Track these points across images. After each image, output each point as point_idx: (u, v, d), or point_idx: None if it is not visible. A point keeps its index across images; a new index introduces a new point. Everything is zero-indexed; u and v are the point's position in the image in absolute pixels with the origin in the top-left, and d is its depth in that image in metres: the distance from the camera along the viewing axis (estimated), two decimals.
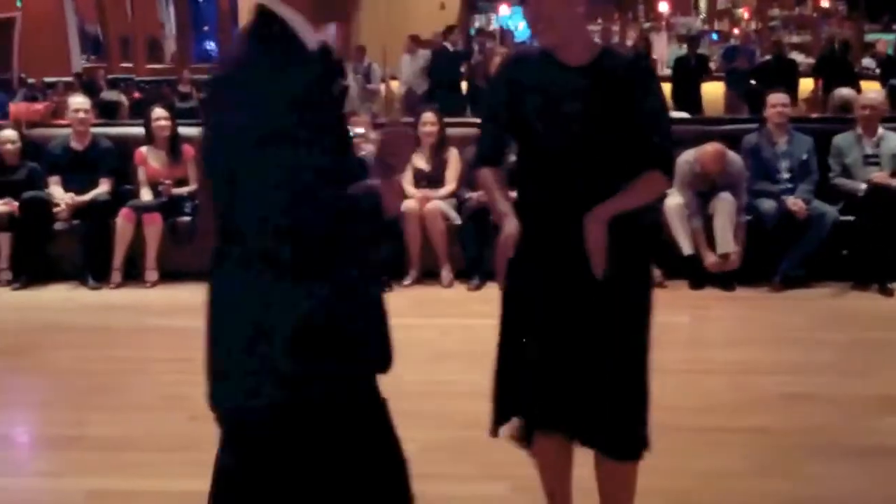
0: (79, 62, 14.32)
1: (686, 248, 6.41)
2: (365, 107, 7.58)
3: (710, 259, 6.30)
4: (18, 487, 3.74)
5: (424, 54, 12.99)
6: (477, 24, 17.93)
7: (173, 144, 7.18)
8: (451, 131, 7.12)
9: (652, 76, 2.71)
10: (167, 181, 7.05)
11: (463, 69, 12.89)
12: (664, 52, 15.82)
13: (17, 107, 9.07)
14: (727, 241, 6.34)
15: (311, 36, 1.96)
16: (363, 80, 12.74)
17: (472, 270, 6.72)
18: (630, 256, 2.65)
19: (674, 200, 6.40)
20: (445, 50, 12.83)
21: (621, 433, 2.67)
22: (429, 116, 7.07)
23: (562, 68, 2.63)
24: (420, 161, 7.02)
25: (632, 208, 2.60)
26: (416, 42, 13.18)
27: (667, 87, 12.41)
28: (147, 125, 7.23)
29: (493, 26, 17.26)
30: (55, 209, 6.97)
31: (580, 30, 2.63)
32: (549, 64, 2.64)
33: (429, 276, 6.83)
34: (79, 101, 7.40)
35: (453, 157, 7.01)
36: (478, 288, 6.63)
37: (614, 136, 2.61)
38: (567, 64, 2.63)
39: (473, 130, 7.09)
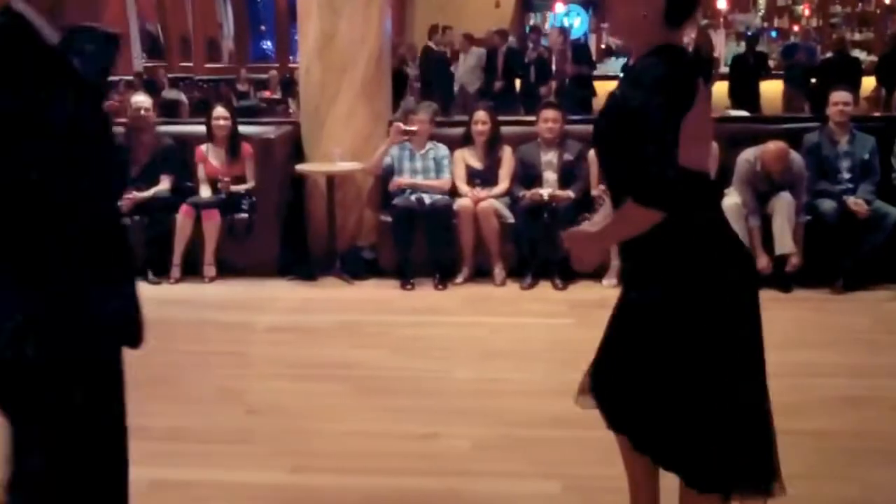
0: (140, 61, 14.55)
1: None
2: (424, 105, 7.58)
3: (762, 262, 6.21)
4: None
5: (478, 52, 12.99)
6: (532, 22, 17.87)
7: (232, 142, 7.27)
8: (504, 129, 7.13)
9: (640, 81, 2.35)
10: (225, 178, 7.14)
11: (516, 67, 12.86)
12: (722, 49, 15.63)
13: None
14: (786, 241, 6.26)
15: (51, 31, 2.11)
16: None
17: (524, 269, 6.73)
18: (669, 280, 2.44)
19: (731, 199, 6.33)
20: (499, 48, 12.82)
21: (686, 460, 2.53)
22: (482, 115, 7.07)
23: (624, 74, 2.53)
24: (473, 159, 7.03)
25: (614, 242, 2.49)
26: (469, 40, 13.19)
27: (724, 86, 12.29)
28: (207, 123, 7.33)
29: (549, 24, 17.19)
30: (121, 205, 7.09)
31: (642, 33, 2.43)
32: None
33: (481, 274, 6.84)
34: (140, 100, 7.52)
35: (507, 155, 7.01)
36: (530, 287, 6.62)
37: (615, 153, 2.46)
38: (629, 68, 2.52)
39: (526, 129, 7.16)
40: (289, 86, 12.87)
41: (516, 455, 3.89)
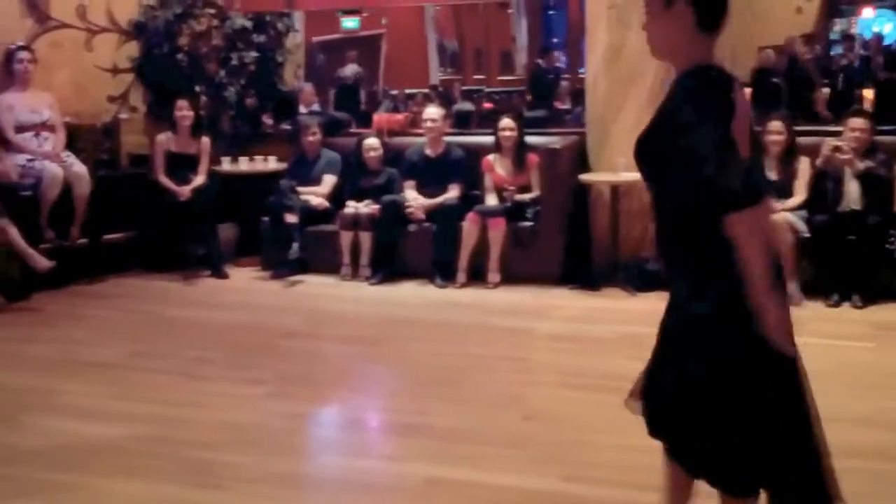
0: (437, 75, 15.14)
1: None
2: None
3: None
4: (364, 468, 4.02)
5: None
6: (837, 28, 16.89)
7: (519, 152, 7.41)
8: (801, 139, 6.79)
9: (690, 95, 2.37)
10: (511, 187, 7.29)
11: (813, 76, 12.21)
12: None
13: (379, 117, 9.74)
14: None
15: None
16: None
17: (824, 287, 6.36)
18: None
19: None
20: (801, 55, 12.23)
21: (721, 466, 2.53)
22: (776, 125, 6.78)
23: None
24: (767, 170, 6.75)
25: (762, 281, 2.35)
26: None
27: None
28: (495, 134, 7.52)
29: (855, 30, 16.19)
30: (409, 211, 7.44)
31: (679, 50, 2.48)
32: None
33: None
34: (432, 112, 7.85)
35: (803, 166, 6.68)
36: (836, 304, 6.26)
37: (658, 173, 2.50)
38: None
39: (826, 139, 6.78)
40: (579, 96, 12.93)
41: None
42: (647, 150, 2.54)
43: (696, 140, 2.30)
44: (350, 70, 13.36)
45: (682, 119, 2.35)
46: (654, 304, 7.19)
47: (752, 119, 2.59)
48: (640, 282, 6.84)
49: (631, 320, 6.15)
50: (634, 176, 6.91)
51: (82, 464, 4.02)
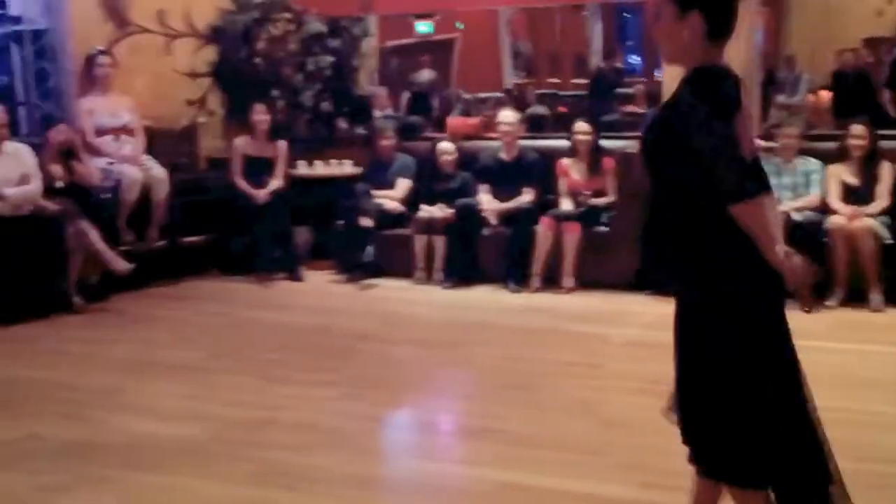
0: (510, 78, 15.08)
1: None
2: (794, 119, 7.25)
3: None
4: (437, 472, 4.02)
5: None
6: None
7: (594, 156, 7.34)
8: (883, 143, 6.62)
9: (698, 92, 2.47)
10: (586, 192, 7.23)
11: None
12: None
13: (453, 121, 9.74)
14: None
15: None
16: (790, 91, 12.19)
17: None
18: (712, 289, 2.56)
19: None
20: (884, 58, 11.93)
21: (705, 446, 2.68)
22: (859, 129, 6.63)
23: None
24: (848, 176, 6.59)
25: (770, 250, 2.50)
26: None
27: None
28: (571, 138, 7.46)
29: None
30: (483, 215, 7.42)
31: (688, 56, 2.57)
32: None
33: (855, 298, 6.38)
34: (507, 116, 7.83)
35: (886, 170, 6.51)
36: None
37: (664, 168, 2.60)
38: None
39: None
40: (654, 100, 12.79)
41: (886, 494, 3.58)
42: (654, 145, 2.65)
43: (702, 135, 2.43)
44: (425, 77, 13.39)
45: (688, 115, 2.46)
46: None
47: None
48: None
49: None
50: None
51: (159, 463, 4.08)
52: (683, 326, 2.67)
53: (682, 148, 2.48)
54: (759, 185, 2.48)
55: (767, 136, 7.15)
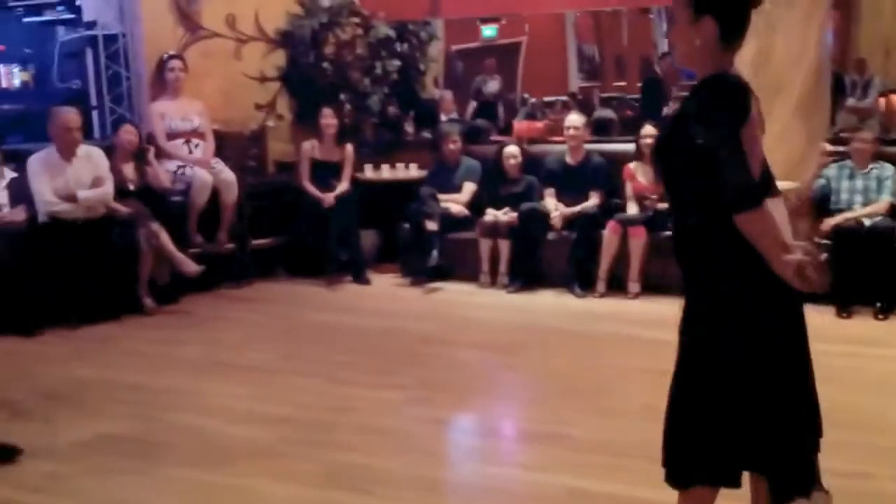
0: (576, 82, 15.02)
1: None
2: (868, 123, 7.11)
3: None
4: (503, 476, 4.01)
5: None
6: None
7: None
8: None
9: (707, 100, 2.52)
10: (653, 196, 7.16)
11: None
12: None
13: (519, 125, 9.72)
14: None
15: None
16: (860, 94, 11.92)
17: None
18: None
19: None
20: None
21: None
22: None
23: None
24: None
25: (777, 260, 2.45)
26: None
27: None
28: (637, 141, 7.40)
29: None
30: (550, 219, 7.39)
31: (702, 61, 2.60)
32: None
33: None
34: (573, 119, 7.79)
35: None
36: None
37: (674, 174, 2.66)
38: None
39: None
40: None
41: None
42: (665, 152, 2.70)
43: (708, 143, 2.45)
44: (492, 87, 13.37)
45: (696, 123, 2.49)
46: None
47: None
48: None
49: None
50: (783, 185, 6.69)
51: (229, 464, 4.13)
52: (685, 327, 2.76)
53: (690, 154, 2.50)
54: (761, 194, 2.47)
55: (837, 141, 7.03)
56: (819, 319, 6.34)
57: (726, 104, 2.48)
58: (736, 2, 2.60)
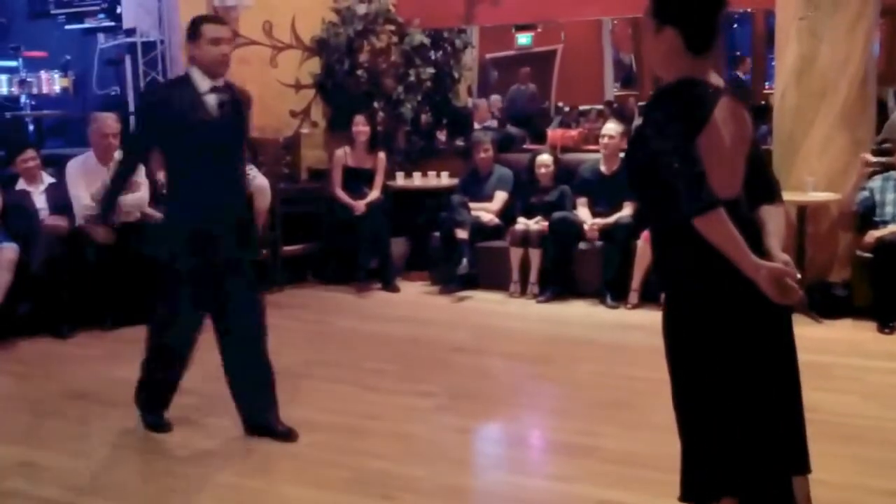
0: (611, 90, 14.94)
1: None
2: None
3: None
4: (532, 487, 3.98)
5: None
6: None
7: None
8: None
9: (657, 109, 2.55)
10: None
11: None
12: None
13: (553, 133, 9.70)
14: None
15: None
16: None
17: None
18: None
19: None
20: None
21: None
22: None
23: None
24: None
25: (741, 263, 2.48)
26: None
27: None
28: None
29: None
30: (588, 232, 7.34)
31: (670, 66, 2.63)
32: None
33: None
34: (611, 128, 7.74)
35: None
36: None
37: (637, 182, 2.69)
38: None
39: None
40: (762, 113, 12.49)
41: None
42: (630, 160, 2.75)
43: (658, 151, 2.48)
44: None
45: (648, 131, 2.55)
46: (842, 333, 6.86)
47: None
48: (827, 308, 6.52)
49: (816, 349, 5.82)
50: (824, 196, 6.65)
51: (259, 469, 4.14)
52: (664, 331, 2.85)
53: (648, 162, 2.53)
54: (714, 200, 2.45)
55: (881, 153, 6.92)
56: (861, 335, 6.34)
57: (678, 113, 2.50)
58: (698, 12, 2.61)
